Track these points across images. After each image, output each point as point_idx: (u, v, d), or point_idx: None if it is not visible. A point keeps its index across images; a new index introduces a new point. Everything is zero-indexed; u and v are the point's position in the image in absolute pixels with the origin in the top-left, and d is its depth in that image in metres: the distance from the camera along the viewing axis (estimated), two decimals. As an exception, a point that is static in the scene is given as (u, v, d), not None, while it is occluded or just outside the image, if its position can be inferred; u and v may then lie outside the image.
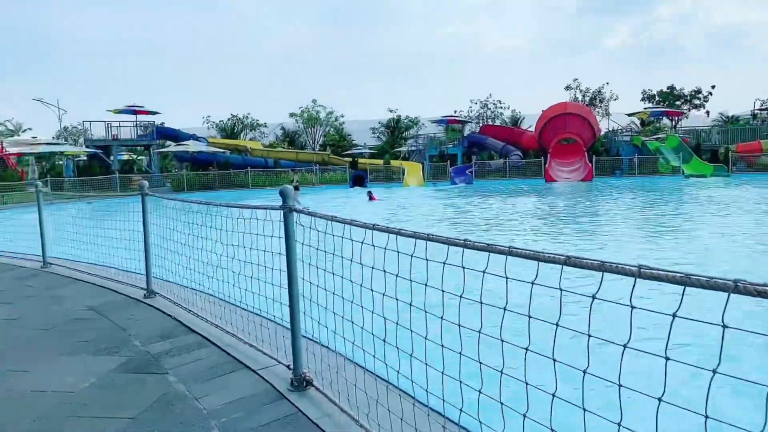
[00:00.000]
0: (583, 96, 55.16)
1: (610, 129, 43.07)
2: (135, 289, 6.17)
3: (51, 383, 3.66)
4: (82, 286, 6.73)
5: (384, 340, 2.81)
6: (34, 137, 49.64)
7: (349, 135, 59.05)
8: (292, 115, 55.73)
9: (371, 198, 22.88)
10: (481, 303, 2.14)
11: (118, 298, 6.00)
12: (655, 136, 37.49)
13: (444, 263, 2.18)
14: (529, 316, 1.92)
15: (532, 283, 1.77)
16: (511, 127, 44.76)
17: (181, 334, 4.59)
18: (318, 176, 36.09)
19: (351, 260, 3.01)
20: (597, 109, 52.59)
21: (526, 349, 1.90)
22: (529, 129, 44.48)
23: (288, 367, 3.53)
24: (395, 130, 58.19)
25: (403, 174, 33.98)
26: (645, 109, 44.15)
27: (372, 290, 2.82)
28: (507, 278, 1.86)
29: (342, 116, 57.89)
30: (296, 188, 22.54)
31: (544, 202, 20.34)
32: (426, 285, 2.32)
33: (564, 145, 35.63)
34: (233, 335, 4.25)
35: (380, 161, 42.77)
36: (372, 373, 3.39)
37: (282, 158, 39.37)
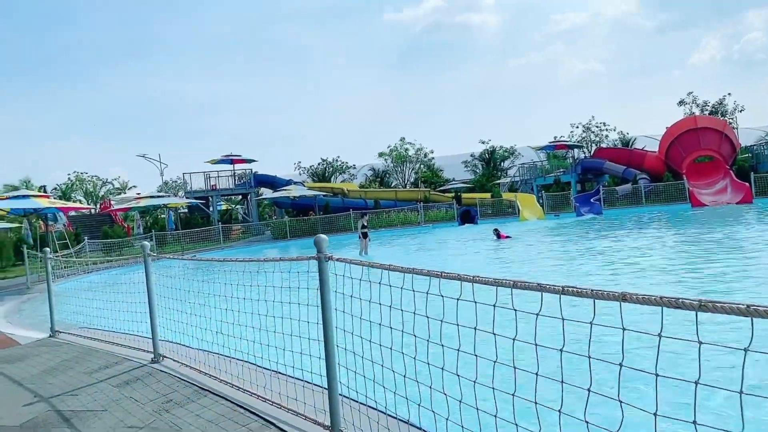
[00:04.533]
0: (701, 110, 49.47)
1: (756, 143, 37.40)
2: (310, 422, 3.54)
3: None
4: (211, 402, 4.21)
5: None
6: (138, 193, 51.23)
7: (440, 170, 56.63)
8: (381, 154, 54.26)
9: (500, 236, 19.79)
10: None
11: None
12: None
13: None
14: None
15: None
16: (629, 149, 40.25)
17: None
18: (422, 215, 33.47)
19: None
20: (722, 123, 46.73)
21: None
22: (645, 149, 39.88)
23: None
24: (491, 162, 55.06)
25: (518, 208, 30.63)
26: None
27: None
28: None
29: (432, 152, 55.71)
30: (365, 235, 18.21)
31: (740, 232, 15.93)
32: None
33: (700, 164, 30.97)
34: None
35: (483, 195, 39.66)
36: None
37: (380, 198, 37.29)
